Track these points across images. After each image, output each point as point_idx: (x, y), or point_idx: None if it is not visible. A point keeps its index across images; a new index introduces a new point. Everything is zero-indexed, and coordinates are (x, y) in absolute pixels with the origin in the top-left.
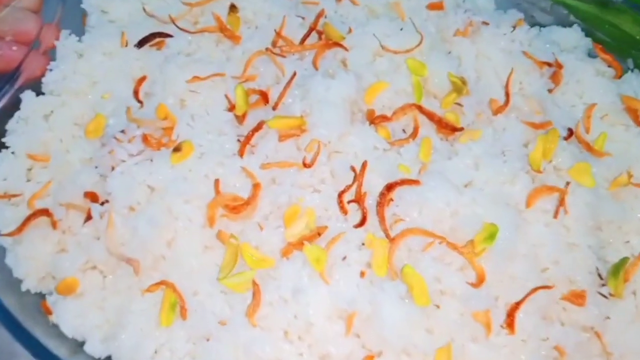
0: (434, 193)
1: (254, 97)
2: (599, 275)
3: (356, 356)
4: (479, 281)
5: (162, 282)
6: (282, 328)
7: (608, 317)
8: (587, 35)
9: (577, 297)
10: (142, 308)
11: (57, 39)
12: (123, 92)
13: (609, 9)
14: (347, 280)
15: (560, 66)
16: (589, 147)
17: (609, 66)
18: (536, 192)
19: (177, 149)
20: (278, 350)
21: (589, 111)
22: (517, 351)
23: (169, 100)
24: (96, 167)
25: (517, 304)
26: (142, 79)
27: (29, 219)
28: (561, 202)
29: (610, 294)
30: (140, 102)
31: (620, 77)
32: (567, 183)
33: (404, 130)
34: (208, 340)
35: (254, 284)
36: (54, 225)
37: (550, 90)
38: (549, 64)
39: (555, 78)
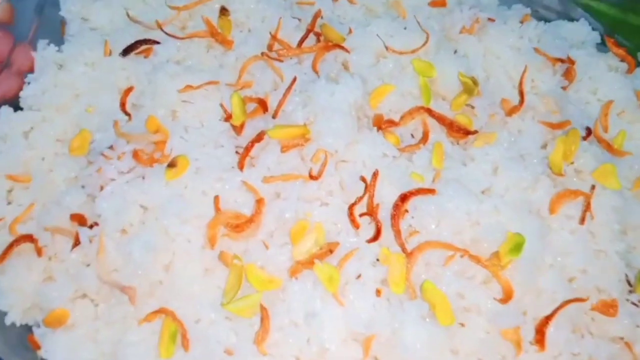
0: (452, 202)
1: (252, 106)
2: (628, 282)
3: None
4: (507, 297)
5: (160, 310)
6: (294, 355)
7: (638, 326)
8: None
9: (608, 307)
10: (139, 339)
11: (31, 60)
12: (109, 104)
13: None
14: (362, 300)
15: (572, 62)
16: (609, 147)
17: (622, 60)
18: (559, 197)
19: (171, 165)
20: None
21: (606, 109)
22: None
23: (159, 112)
24: (83, 187)
25: (547, 319)
26: (129, 89)
27: (11, 246)
28: (587, 206)
29: None
30: (128, 114)
31: (632, 71)
32: (593, 187)
33: (412, 135)
34: None
35: (262, 308)
36: (39, 252)
37: (564, 88)
38: (562, 60)
39: (568, 75)
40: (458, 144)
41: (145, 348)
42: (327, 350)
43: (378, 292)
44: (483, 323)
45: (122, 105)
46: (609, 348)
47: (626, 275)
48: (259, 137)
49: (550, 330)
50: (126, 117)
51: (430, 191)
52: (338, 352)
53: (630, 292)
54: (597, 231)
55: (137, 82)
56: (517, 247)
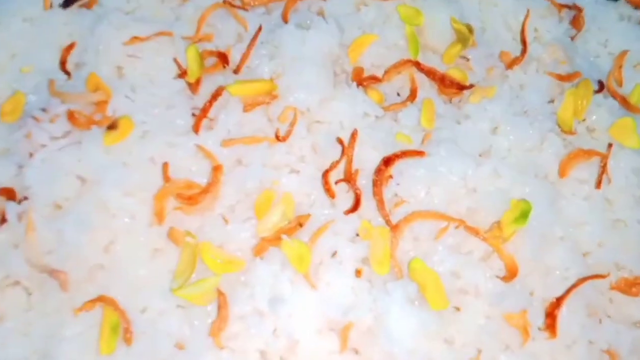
0: (444, 166)
1: (211, 61)
2: None
3: None
4: (510, 274)
5: (99, 298)
6: (257, 349)
7: None
8: None
9: (629, 286)
10: (75, 333)
11: None
12: (49, 64)
13: None
14: (339, 282)
15: (579, 9)
16: (624, 102)
17: (635, 8)
18: (570, 159)
19: (111, 127)
20: None
21: (620, 60)
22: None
23: (102, 69)
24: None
25: (559, 300)
26: (71, 46)
27: None
28: (603, 168)
29: None
30: (67, 73)
31: None
32: (610, 145)
33: (398, 94)
34: None
35: (219, 293)
36: None
37: (571, 38)
38: (568, 6)
39: (576, 23)
40: (451, 102)
41: (82, 343)
42: (298, 342)
43: (358, 273)
44: (482, 306)
45: (62, 63)
46: (632, 334)
47: None
48: (216, 94)
49: (562, 314)
50: (65, 77)
51: (419, 153)
52: (310, 345)
53: None
54: (614, 198)
55: (80, 38)
56: (523, 216)
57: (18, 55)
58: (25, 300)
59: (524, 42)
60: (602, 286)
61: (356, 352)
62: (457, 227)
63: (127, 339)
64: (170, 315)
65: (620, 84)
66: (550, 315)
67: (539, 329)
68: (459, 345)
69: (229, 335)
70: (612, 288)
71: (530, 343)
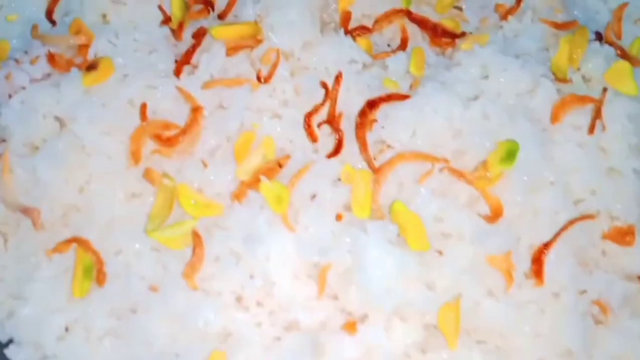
0: (430, 108)
1: (197, 8)
2: None
3: (333, 323)
4: (495, 215)
5: (73, 239)
6: (233, 291)
7: None
8: None
9: (623, 235)
10: (48, 275)
11: None
12: (34, 14)
13: None
14: (318, 225)
15: None
16: (623, 53)
17: None
18: (564, 104)
19: (91, 67)
20: (228, 320)
21: (619, 12)
22: (548, 308)
23: (87, 16)
24: None
25: (546, 245)
26: None
27: None
28: (596, 114)
29: None
30: (53, 22)
31: None
32: (604, 89)
33: (389, 45)
34: (135, 312)
35: (195, 234)
36: None
37: None
38: None
39: None
40: (444, 54)
41: (55, 285)
42: (274, 284)
43: (338, 217)
44: (465, 250)
45: (49, 12)
46: (624, 286)
47: None
48: (198, 33)
49: (549, 260)
50: (51, 26)
51: (405, 96)
52: (287, 288)
53: None
54: (609, 145)
55: None
56: (510, 156)
57: (5, 7)
58: (2, 245)
59: None
60: (593, 235)
61: (335, 297)
62: (441, 170)
63: (100, 280)
64: (144, 258)
65: (619, 37)
66: (537, 261)
67: (525, 275)
68: (439, 290)
69: (204, 276)
70: (604, 237)
71: (515, 290)
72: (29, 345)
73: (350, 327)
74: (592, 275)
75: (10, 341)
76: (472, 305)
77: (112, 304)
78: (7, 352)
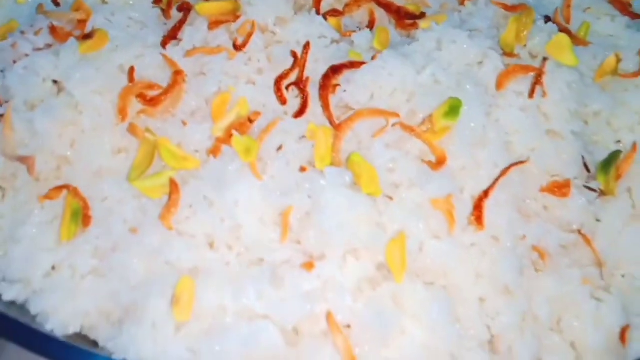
0: (388, 74)
1: None
2: (586, 167)
3: (294, 262)
4: (439, 162)
5: (63, 186)
6: (205, 232)
7: (598, 220)
8: None
9: (560, 188)
10: (39, 221)
11: None
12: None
13: None
14: (283, 175)
15: None
16: (570, 34)
17: None
18: (508, 72)
19: (87, 37)
20: (199, 259)
21: (569, 0)
22: (489, 250)
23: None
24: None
25: (486, 192)
26: None
27: None
28: (537, 80)
29: (601, 190)
30: (57, 4)
31: None
32: (544, 59)
33: (358, 28)
34: (115, 251)
35: (172, 182)
36: None
37: None
38: None
39: None
40: (408, 36)
41: (45, 229)
42: (242, 227)
43: (302, 169)
44: (413, 195)
45: None
46: (562, 236)
47: (583, 158)
48: (184, 8)
49: (489, 207)
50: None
51: (363, 63)
52: (254, 231)
53: (589, 178)
54: (551, 112)
55: None
56: (453, 111)
57: None
58: (0, 197)
59: None
60: (533, 188)
61: (297, 242)
62: (394, 126)
63: (85, 222)
64: (126, 204)
65: (567, 21)
66: (478, 207)
67: (468, 221)
68: (389, 231)
69: (179, 220)
70: (542, 190)
71: (459, 234)
72: (19, 282)
73: (309, 265)
74: (531, 224)
75: (2, 280)
76: (419, 244)
77: (96, 244)
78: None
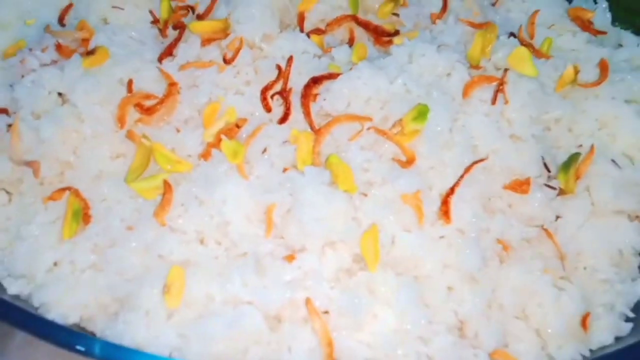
0: (362, 81)
1: (182, 12)
2: (546, 167)
3: (277, 255)
4: (409, 161)
5: (66, 188)
6: (195, 229)
7: (559, 217)
8: None
9: (520, 185)
10: (43, 221)
11: None
12: (49, 20)
13: None
14: (267, 175)
15: None
16: (533, 49)
17: None
18: (473, 82)
19: (90, 53)
20: (190, 252)
21: (533, 17)
22: (455, 243)
23: (91, 20)
24: (11, 86)
25: (452, 188)
26: (69, 6)
27: None
28: (499, 88)
29: (561, 189)
30: (63, 25)
31: None
32: (505, 70)
33: (339, 45)
34: (112, 247)
35: (165, 183)
36: None
37: (493, 4)
38: None
39: None
40: (385, 52)
41: (48, 229)
42: (229, 223)
43: (284, 170)
44: (385, 192)
45: (61, 18)
46: (524, 230)
47: (543, 159)
48: (177, 25)
49: (455, 202)
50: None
51: (340, 74)
52: (240, 227)
53: (550, 177)
54: (512, 117)
55: (78, 1)
56: (421, 115)
57: (25, 14)
58: (7, 200)
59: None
60: (496, 186)
61: (281, 237)
62: (368, 129)
63: (86, 220)
64: (124, 204)
65: (531, 38)
66: (445, 202)
67: (436, 215)
68: (364, 224)
69: (171, 217)
70: (504, 187)
71: (428, 227)
72: (22, 277)
73: (290, 257)
74: (495, 219)
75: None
76: (391, 237)
77: (95, 241)
78: (4, 282)
